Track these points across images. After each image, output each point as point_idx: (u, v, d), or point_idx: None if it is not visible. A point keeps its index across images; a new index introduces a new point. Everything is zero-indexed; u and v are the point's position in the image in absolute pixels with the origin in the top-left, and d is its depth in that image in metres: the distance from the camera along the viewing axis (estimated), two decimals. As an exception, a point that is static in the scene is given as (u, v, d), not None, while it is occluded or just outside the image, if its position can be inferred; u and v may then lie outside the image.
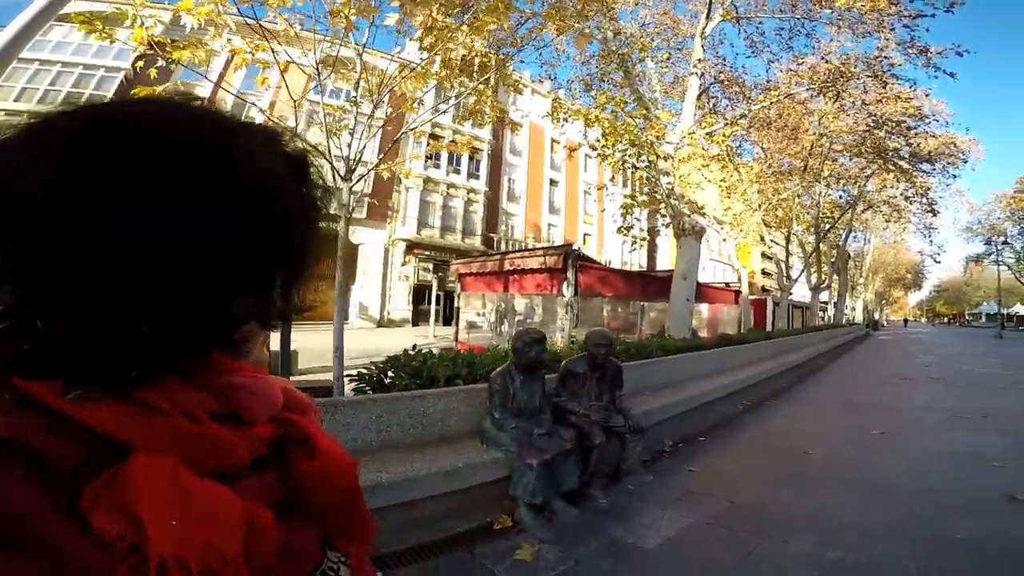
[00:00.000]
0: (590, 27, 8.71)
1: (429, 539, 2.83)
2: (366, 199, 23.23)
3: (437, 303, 22.48)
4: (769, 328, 17.19)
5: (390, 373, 3.83)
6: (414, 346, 4.20)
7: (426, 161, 25.68)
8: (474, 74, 8.76)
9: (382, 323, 24.05)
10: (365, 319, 24.02)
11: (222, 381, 0.41)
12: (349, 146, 5.01)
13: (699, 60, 9.50)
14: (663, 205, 9.47)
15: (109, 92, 19.63)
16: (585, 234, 34.85)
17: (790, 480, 4.05)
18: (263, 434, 0.44)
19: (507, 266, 10.57)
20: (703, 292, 13.54)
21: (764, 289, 35.95)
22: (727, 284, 18.30)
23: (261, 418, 0.44)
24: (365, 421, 3.13)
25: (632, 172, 10.16)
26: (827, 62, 11.43)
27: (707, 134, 9.93)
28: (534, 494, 3.00)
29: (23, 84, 19.29)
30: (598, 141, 9.33)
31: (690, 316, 9.16)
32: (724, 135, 10.16)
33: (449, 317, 19.83)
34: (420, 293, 25.49)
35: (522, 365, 3.33)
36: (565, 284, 8.99)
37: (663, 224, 10.00)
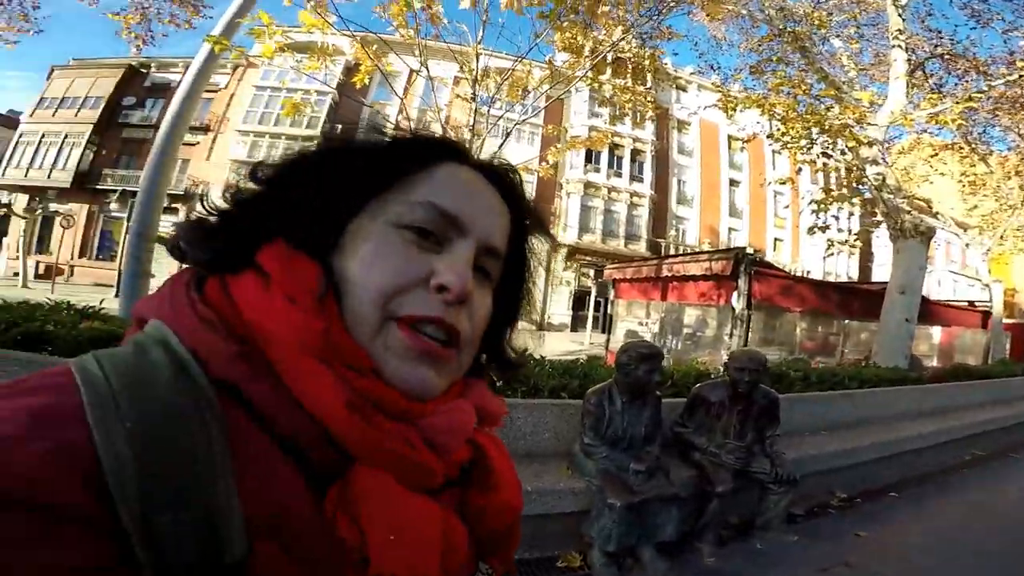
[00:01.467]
0: (749, 7, 7.39)
1: None
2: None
3: (595, 309, 22.05)
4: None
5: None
6: (524, 349, 3.80)
7: (586, 165, 25.48)
8: (626, 74, 8.28)
9: (541, 327, 24.39)
10: (527, 321, 24.66)
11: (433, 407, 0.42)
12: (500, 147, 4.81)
13: (899, 31, 7.38)
14: (873, 201, 7.51)
15: (323, 113, 23.48)
16: (776, 239, 30.48)
17: (1009, 564, 2.77)
18: (459, 458, 0.44)
19: (665, 272, 9.44)
20: (934, 311, 10.42)
21: (1035, 313, 26.91)
22: (971, 303, 13.93)
23: (457, 448, 0.43)
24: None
25: (825, 164, 8.30)
26: None
27: (931, 115, 7.53)
28: (608, 540, 2.40)
29: (246, 157, 23.26)
30: (777, 130, 7.79)
31: (908, 340, 7.04)
32: (954, 114, 7.56)
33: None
34: (580, 299, 25.26)
35: (626, 385, 2.69)
36: (735, 294, 7.61)
37: (870, 223, 8.00)
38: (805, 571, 2.53)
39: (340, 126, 0.58)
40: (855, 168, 7.47)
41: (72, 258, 23.16)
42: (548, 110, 25.05)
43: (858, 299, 8.82)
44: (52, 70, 27.24)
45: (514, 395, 3.22)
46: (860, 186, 7.58)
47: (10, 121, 30.20)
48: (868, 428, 4.48)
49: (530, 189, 23.20)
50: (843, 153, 7.53)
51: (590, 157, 25.90)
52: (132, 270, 4.88)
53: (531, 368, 3.55)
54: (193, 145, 23.94)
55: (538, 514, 2.51)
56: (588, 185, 25.61)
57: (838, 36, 8.39)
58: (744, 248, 7.67)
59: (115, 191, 22.27)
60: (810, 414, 4.20)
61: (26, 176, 24.37)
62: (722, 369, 4.55)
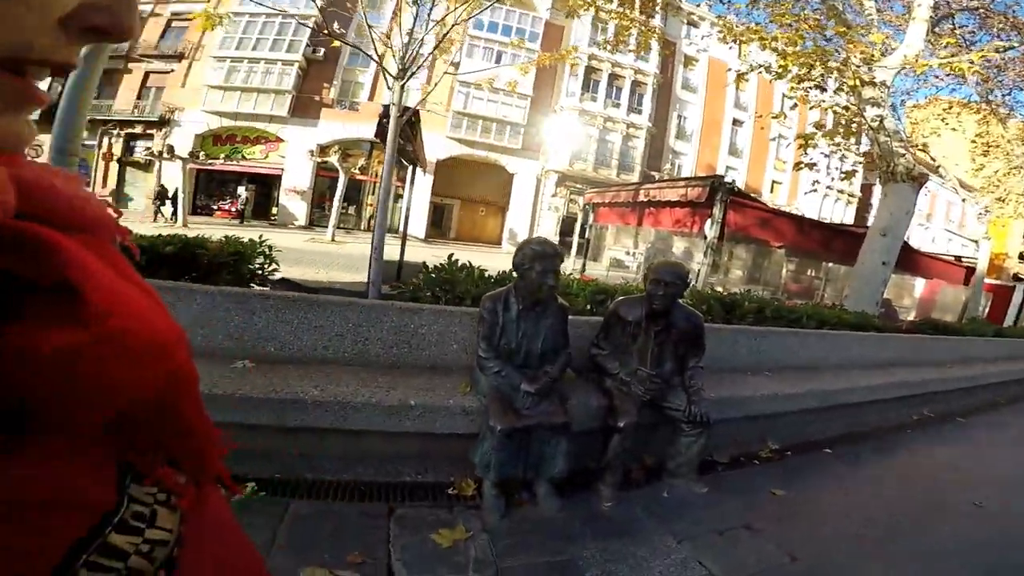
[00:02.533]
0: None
1: (368, 479, 2.26)
2: (513, 128, 23.29)
3: (581, 235, 21.71)
4: (1011, 324, 12.64)
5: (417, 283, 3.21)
6: (450, 255, 3.47)
7: (582, 93, 24.32)
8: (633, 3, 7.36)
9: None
10: (512, 245, 24.38)
11: None
12: (406, 45, 4.15)
13: None
14: (871, 142, 6.99)
15: (290, 84, 22.43)
16: (774, 181, 29.89)
17: (926, 540, 2.51)
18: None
19: (643, 197, 8.98)
20: (918, 261, 10.13)
21: (1017, 277, 26.91)
22: (958, 258, 13.71)
23: None
24: (340, 328, 2.55)
25: (821, 102, 7.68)
26: None
27: (947, 59, 6.79)
28: (488, 468, 2.14)
29: (224, 83, 22.49)
30: (777, 63, 7.09)
31: (882, 285, 6.78)
32: (972, 62, 6.82)
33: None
34: (569, 225, 24.81)
35: (523, 289, 2.31)
36: (709, 222, 7.23)
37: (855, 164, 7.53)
38: (702, 530, 2.27)
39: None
40: (854, 106, 6.86)
41: None
42: (546, 35, 23.59)
43: (841, 239, 8.43)
44: None
45: (427, 302, 2.93)
46: (856, 123, 7.00)
47: None
48: (816, 374, 4.20)
49: (499, 107, 21.87)
50: (839, 90, 6.91)
51: (588, 85, 24.58)
52: None
53: (456, 274, 3.23)
54: (167, 73, 23.50)
55: (426, 432, 2.26)
56: (583, 112, 24.49)
57: None
58: (721, 175, 7.17)
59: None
60: (755, 350, 3.92)
61: None
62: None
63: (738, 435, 3.30)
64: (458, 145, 24.09)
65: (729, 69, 9.44)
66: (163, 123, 22.97)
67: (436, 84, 5.18)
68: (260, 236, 3.49)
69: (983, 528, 2.79)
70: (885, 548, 2.39)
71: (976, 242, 13.07)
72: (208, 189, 24.15)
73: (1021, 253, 36.34)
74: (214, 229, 3.19)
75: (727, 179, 7.27)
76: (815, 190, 9.46)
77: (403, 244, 7.88)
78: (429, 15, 4.39)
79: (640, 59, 24.96)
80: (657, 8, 22.95)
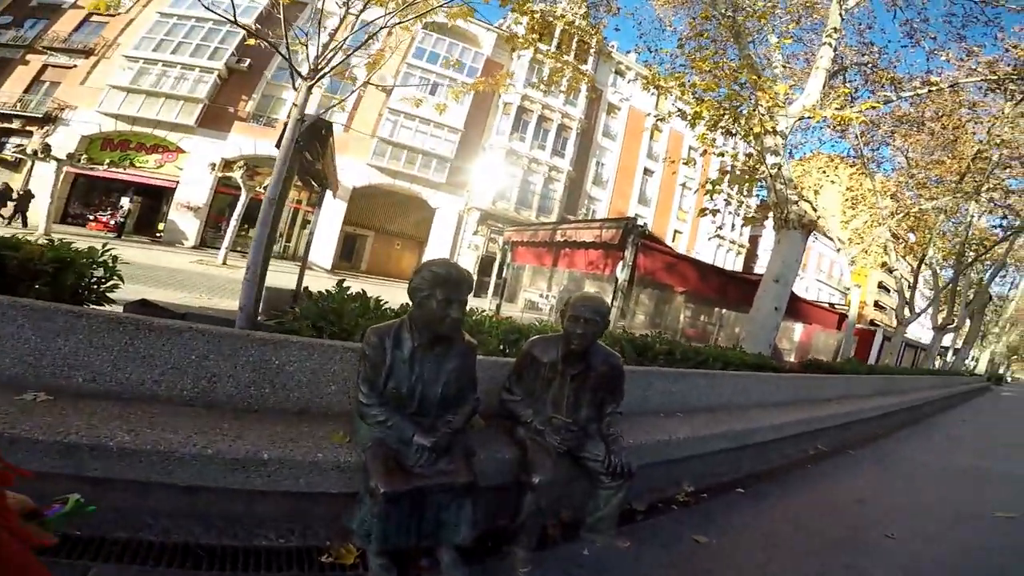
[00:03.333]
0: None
1: (208, 542, 1.76)
2: (437, 161, 23.22)
3: (499, 275, 21.75)
4: (872, 363, 14.22)
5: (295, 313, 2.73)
6: (340, 281, 3.03)
7: (512, 133, 24.92)
8: (570, 48, 7.64)
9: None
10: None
11: None
12: (324, 44, 3.80)
13: (835, 29, 7.48)
14: (768, 190, 7.59)
15: (204, 92, 20.94)
16: (676, 231, 32.14)
17: None
18: None
19: (559, 237, 9.03)
20: (800, 308, 11.13)
21: (873, 323, 30.98)
22: (832, 305, 15.32)
23: None
24: (178, 359, 2.00)
25: (723, 152, 8.32)
26: (1015, 47, 8.91)
27: (837, 109, 7.70)
28: (368, 537, 1.71)
29: (129, 84, 20.76)
30: (692, 109, 7.60)
31: (775, 329, 7.19)
32: (860, 111, 7.84)
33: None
34: (488, 265, 24.77)
35: (421, 321, 1.90)
36: (620, 265, 7.34)
37: (759, 213, 8.21)
38: None
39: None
40: (756, 152, 7.46)
41: None
42: (486, 71, 24.20)
43: (736, 286, 9.00)
44: None
45: (307, 334, 2.46)
46: (755, 171, 7.63)
47: None
48: (724, 415, 4.20)
49: (427, 138, 21.86)
50: (745, 137, 7.50)
51: (518, 125, 25.29)
52: None
53: (344, 303, 2.79)
54: (68, 68, 21.41)
55: (289, 492, 1.78)
56: (511, 152, 25.01)
57: (774, 31, 8.35)
58: (634, 218, 7.38)
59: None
60: (668, 392, 3.82)
61: None
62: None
63: (654, 480, 3.11)
64: (379, 174, 23.41)
65: (648, 114, 10.04)
66: (47, 120, 20.43)
67: (352, 94, 4.79)
68: (104, 245, 2.83)
69: (901, 559, 2.81)
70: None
71: (847, 291, 14.72)
72: (87, 197, 21.34)
73: (876, 302, 42.17)
74: (80, 241, 2.51)
75: (639, 221, 7.50)
76: (719, 236, 10.20)
77: (302, 271, 7.16)
78: (357, 17, 4.06)
79: (569, 103, 26.26)
80: (591, 52, 24.54)
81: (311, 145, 4.55)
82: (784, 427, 4.62)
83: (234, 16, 3.56)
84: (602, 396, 2.41)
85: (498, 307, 11.34)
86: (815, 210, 7.97)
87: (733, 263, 33.83)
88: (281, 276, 6.71)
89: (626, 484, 2.27)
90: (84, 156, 20.25)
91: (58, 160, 15.58)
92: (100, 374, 1.93)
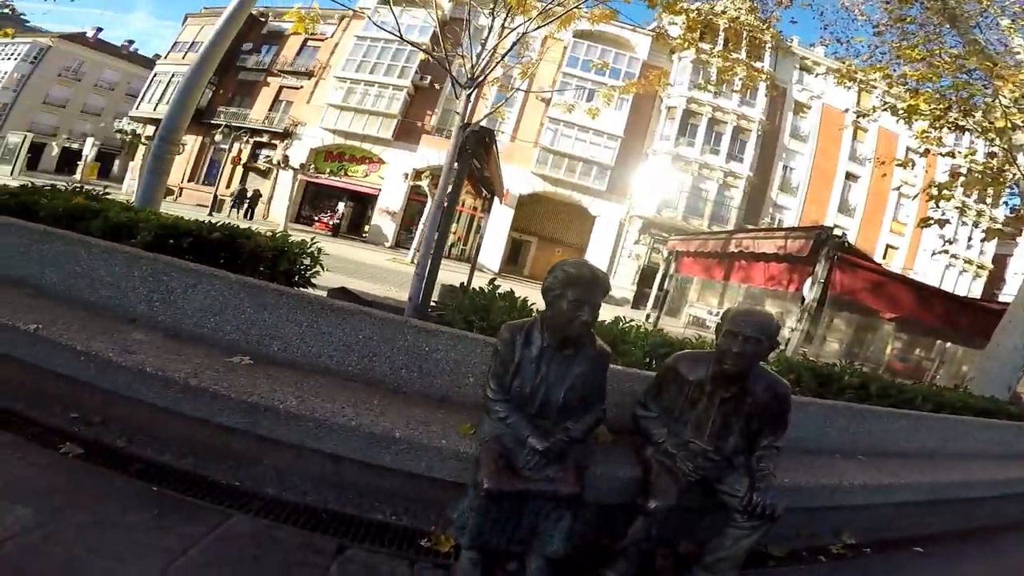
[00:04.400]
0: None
1: (333, 508, 1.96)
2: (602, 170, 23.08)
3: (660, 287, 20.78)
4: None
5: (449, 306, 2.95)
6: (492, 279, 3.17)
7: (678, 138, 23.60)
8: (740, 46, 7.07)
9: (606, 294, 23.51)
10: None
11: None
12: (477, 55, 4.04)
13: None
14: (1020, 197, 5.90)
15: (396, 108, 24.16)
16: (888, 245, 26.89)
17: None
18: None
19: (733, 247, 8.12)
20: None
21: None
22: None
23: None
24: (348, 338, 2.31)
25: (955, 149, 6.63)
26: None
27: None
28: (463, 530, 1.72)
29: (342, 102, 24.88)
30: (902, 102, 6.26)
31: (1021, 370, 5.53)
32: None
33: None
34: (647, 275, 23.83)
35: (551, 324, 1.84)
36: (809, 281, 6.30)
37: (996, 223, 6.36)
38: None
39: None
40: (1001, 152, 5.82)
41: (182, 181, 26.21)
42: (643, 76, 23.47)
43: (970, 316, 7.06)
44: (186, 17, 30.73)
45: (458, 327, 2.62)
46: (1003, 172, 5.93)
47: (150, 63, 35.32)
48: (922, 463, 3.38)
49: (587, 146, 21.91)
50: (983, 133, 5.90)
51: (685, 129, 23.93)
52: (152, 167, 5.33)
53: (493, 300, 2.91)
54: (297, 89, 26.70)
55: (408, 472, 1.91)
56: (677, 158, 23.74)
57: (1003, 12, 6.51)
58: (829, 228, 6.25)
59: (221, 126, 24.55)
60: (850, 432, 3.18)
61: (154, 110, 27.60)
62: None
63: (805, 525, 2.62)
64: (542, 182, 24.26)
65: (846, 110, 8.56)
66: (286, 135, 25.74)
67: (504, 101, 5.03)
68: (312, 239, 3.43)
69: None
70: None
71: None
72: (314, 201, 26.30)
73: None
74: (304, 238, 3.15)
75: (836, 231, 6.35)
76: (946, 250, 8.13)
77: (471, 271, 7.78)
78: (503, 26, 4.29)
79: (745, 103, 24.02)
80: (766, 48, 22.12)
81: (478, 152, 4.90)
82: (1004, 484, 3.64)
83: (399, 33, 4.00)
84: (758, 426, 2.07)
85: (657, 320, 10.76)
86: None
87: (968, 288, 26.83)
88: (458, 276, 7.41)
89: (764, 528, 1.92)
90: (312, 166, 25.10)
91: (294, 169, 19.51)
92: (290, 345, 2.32)
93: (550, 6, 4.37)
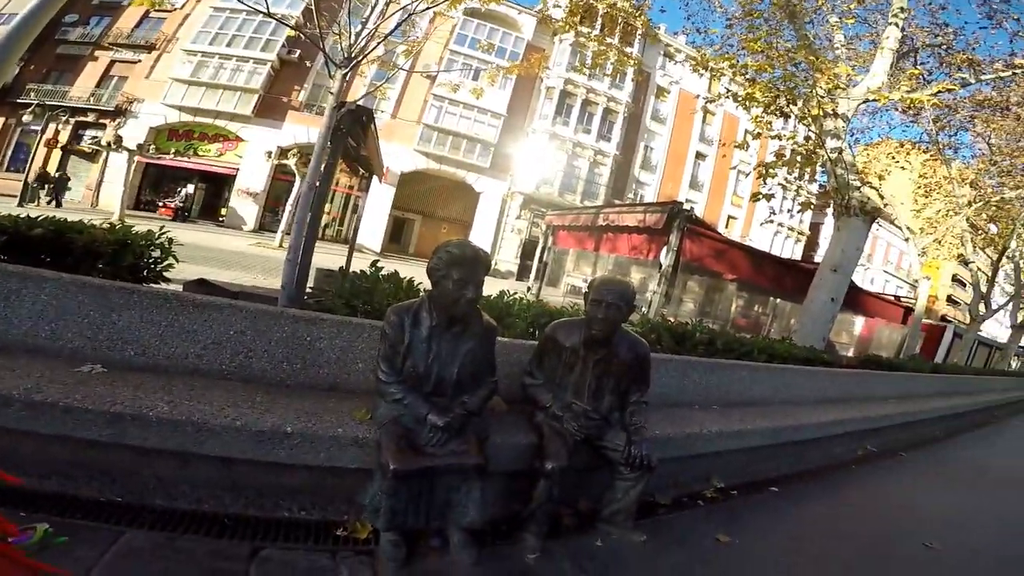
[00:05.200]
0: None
1: (235, 512, 1.88)
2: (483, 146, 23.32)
3: (540, 259, 21.80)
4: (941, 361, 13.21)
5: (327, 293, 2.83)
6: (374, 262, 3.11)
7: (555, 117, 24.66)
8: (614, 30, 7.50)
9: (488, 272, 23.88)
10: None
11: None
12: (357, 34, 3.86)
13: (901, 8, 6.93)
14: (827, 175, 7.15)
15: (258, 83, 21.91)
16: (730, 216, 30.89)
17: None
18: None
19: (602, 221, 8.84)
20: (861, 300, 10.44)
21: (944, 318, 28.68)
22: (897, 297, 14.30)
23: None
24: (218, 334, 2.13)
25: (779, 133, 7.84)
26: None
27: (907, 92, 7.07)
28: (376, 514, 1.76)
29: (190, 76, 21.95)
30: (743, 89, 7.20)
31: (830, 321, 6.81)
32: (932, 94, 7.16)
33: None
34: (529, 249, 24.78)
35: (438, 304, 1.92)
36: (665, 250, 7.10)
37: (811, 196, 7.68)
38: None
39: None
40: (815, 135, 6.99)
41: None
42: (527, 57, 23.77)
43: (793, 276, 8.52)
44: None
45: (341, 313, 2.55)
46: (813, 155, 7.17)
47: None
48: (765, 409, 4.02)
49: (471, 124, 21.88)
50: (802, 119, 7.04)
51: (561, 109, 24.95)
52: None
53: (377, 283, 2.87)
54: (134, 63, 22.96)
55: (311, 466, 1.87)
56: (555, 136, 24.74)
57: (834, 10, 7.75)
58: (680, 202, 7.11)
59: (31, 104, 20.26)
60: (704, 384, 3.69)
61: None
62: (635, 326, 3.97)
63: (682, 474, 3.02)
64: (425, 159, 23.79)
65: (698, 96, 9.59)
66: (118, 113, 22.02)
67: (385, 80, 4.85)
68: (161, 228, 3.03)
69: (935, 572, 2.64)
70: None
71: (915, 283, 13.69)
72: (158, 185, 22.86)
73: (949, 296, 39.00)
74: (148, 226, 2.73)
75: (685, 206, 7.22)
76: (771, 220, 9.62)
77: (350, 253, 7.44)
78: (387, 4, 4.11)
79: (615, 86, 25.65)
80: (637, 34, 23.80)
81: (354, 131, 4.67)
82: (831, 425, 4.38)
83: (267, 7, 3.68)
84: (626, 384, 2.35)
85: (538, 291, 11.31)
86: (881, 197, 7.45)
87: (792, 251, 32.13)
88: (335, 259, 7.02)
89: (645, 477, 2.21)
90: (152, 146, 21.72)
91: (129, 150, 16.73)
92: (149, 348, 2.08)
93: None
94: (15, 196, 16.62)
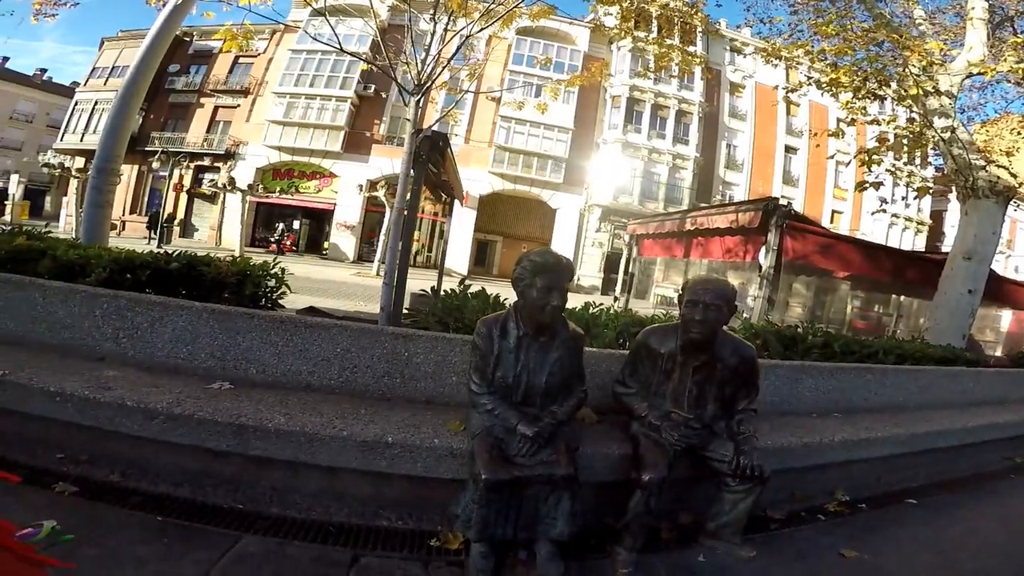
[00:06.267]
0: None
1: (339, 520, 1.99)
2: (557, 163, 23.43)
3: (625, 271, 21.28)
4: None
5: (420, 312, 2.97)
6: (462, 280, 3.21)
7: (625, 125, 24.24)
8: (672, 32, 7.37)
9: (570, 289, 23.66)
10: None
11: None
12: (422, 61, 4.06)
13: None
14: (944, 156, 6.33)
15: (343, 120, 23.65)
16: (834, 211, 28.32)
17: None
18: None
19: (689, 225, 8.41)
20: (1005, 291, 8.94)
21: None
22: (1054, 287, 12.10)
23: None
24: (327, 352, 2.30)
25: (878, 116, 7.09)
26: None
27: (1016, 62, 6.09)
28: (468, 524, 1.75)
29: (283, 118, 24.13)
30: (824, 75, 6.65)
31: (969, 316, 5.94)
32: None
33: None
34: (613, 262, 24.32)
35: (525, 313, 1.91)
36: (763, 250, 6.61)
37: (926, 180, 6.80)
38: None
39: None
40: (919, 117, 6.25)
41: (123, 214, 24.72)
42: (586, 68, 23.71)
43: (916, 268, 7.52)
44: (103, 42, 28.75)
45: (436, 330, 2.65)
46: (923, 136, 6.38)
47: (69, 91, 32.44)
48: (897, 416, 3.55)
49: (540, 141, 21.82)
50: (900, 101, 6.32)
51: (631, 117, 24.52)
52: (93, 200, 5.16)
53: (466, 300, 2.95)
54: (234, 108, 25.57)
55: (407, 475, 1.93)
56: (627, 144, 24.31)
57: None
58: (775, 197, 6.59)
59: (158, 152, 23.31)
60: (821, 390, 3.34)
61: (81, 140, 25.98)
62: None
63: (799, 487, 2.74)
64: (500, 180, 24.36)
65: (776, 87, 8.98)
66: (228, 156, 24.75)
67: (457, 101, 5.07)
68: (275, 260, 3.38)
69: None
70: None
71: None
72: (268, 223, 25.47)
73: None
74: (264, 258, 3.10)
75: (782, 201, 6.68)
76: (883, 210, 8.65)
77: (440, 276, 7.78)
78: (445, 30, 4.30)
79: (684, 88, 24.85)
80: (697, 32, 22.98)
81: (432, 157, 4.91)
82: (979, 430, 3.79)
83: (338, 44, 3.98)
84: (732, 392, 2.18)
85: (626, 303, 10.99)
86: (1013, 176, 6.43)
87: (912, 243, 28.59)
88: (427, 283, 7.43)
89: (757, 488, 2.03)
90: (260, 186, 24.26)
91: (241, 191, 18.79)
92: (268, 366, 2.30)
93: (491, 6, 4.41)
94: (146, 237, 19.06)
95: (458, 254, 23.07)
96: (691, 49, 21.27)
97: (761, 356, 3.16)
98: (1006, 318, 11.53)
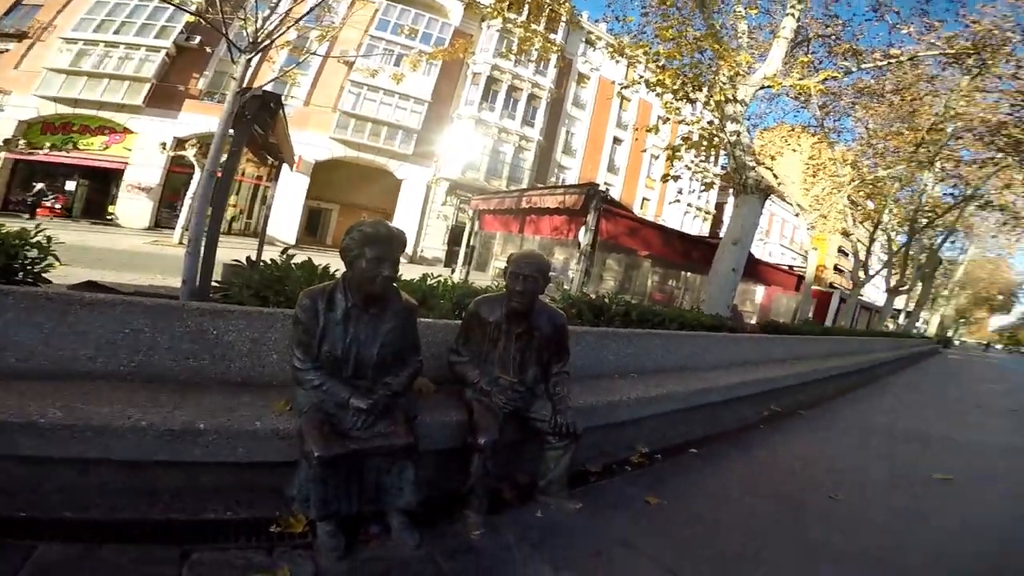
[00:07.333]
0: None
1: (156, 518, 1.77)
2: (408, 133, 22.78)
3: (466, 245, 21.78)
4: (829, 324, 14.87)
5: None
6: (284, 250, 3.01)
7: (481, 103, 24.53)
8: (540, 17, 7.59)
9: (414, 259, 23.40)
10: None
11: None
12: (265, 18, 3.65)
13: (798, 1, 7.52)
14: (729, 156, 7.74)
15: (151, 72, 19.96)
16: (644, 198, 32.58)
17: (797, 541, 2.55)
18: None
19: (525, 204, 9.07)
20: (760, 270, 11.49)
21: (832, 286, 32.31)
22: (790, 267, 15.86)
23: None
24: (111, 334, 1.98)
25: (692, 117, 8.37)
26: (975, 23, 9.31)
27: (797, 79, 7.79)
28: (307, 503, 1.75)
29: (69, 66, 19.68)
30: (654, 76, 7.60)
31: (733, 291, 7.44)
32: (819, 81, 7.96)
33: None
34: (457, 235, 24.63)
35: (353, 284, 1.89)
36: (583, 230, 7.44)
37: (715, 177, 8.34)
38: (578, 553, 2.06)
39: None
40: (716, 119, 7.56)
41: None
42: (453, 43, 23.22)
43: (700, 250, 9.23)
44: None
45: (251, 304, 2.45)
46: (715, 137, 7.75)
47: None
48: (680, 375, 4.33)
49: (393, 111, 21.03)
50: (706, 105, 7.57)
51: (487, 95, 24.87)
52: None
53: (289, 271, 2.78)
54: (1, 53, 20.02)
55: (230, 462, 1.80)
56: (480, 122, 24.66)
57: (740, 1, 8.33)
58: (596, 184, 7.51)
59: None
60: (622, 354, 3.93)
61: None
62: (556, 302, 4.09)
63: (608, 442, 3.22)
64: (343, 147, 22.75)
65: (614, 82, 10.01)
66: (-21, 105, 19.01)
67: (300, 62, 4.62)
68: (37, 226, 2.73)
69: (841, 520, 2.89)
70: (760, 555, 2.33)
71: (805, 254, 15.27)
72: (29, 183, 20.09)
73: (835, 265, 43.90)
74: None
75: (601, 188, 7.58)
76: (678, 200, 10.39)
77: (260, 246, 7.03)
78: None
79: (539, 73, 25.90)
80: (561, 22, 24.11)
81: (260, 118, 4.42)
82: (738, 388, 4.73)
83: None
84: (548, 356, 2.46)
85: (466, 275, 11.34)
86: (775, 176, 8.23)
87: (700, 229, 34.45)
88: (244, 253, 6.62)
89: (573, 445, 2.34)
90: (22, 141, 19.11)
91: (-8, 145, 14.58)
92: (33, 353, 1.90)
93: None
94: None
95: (286, 222, 21.12)
96: (552, 37, 22.35)
97: (575, 323, 3.59)
98: (760, 293, 14.72)
